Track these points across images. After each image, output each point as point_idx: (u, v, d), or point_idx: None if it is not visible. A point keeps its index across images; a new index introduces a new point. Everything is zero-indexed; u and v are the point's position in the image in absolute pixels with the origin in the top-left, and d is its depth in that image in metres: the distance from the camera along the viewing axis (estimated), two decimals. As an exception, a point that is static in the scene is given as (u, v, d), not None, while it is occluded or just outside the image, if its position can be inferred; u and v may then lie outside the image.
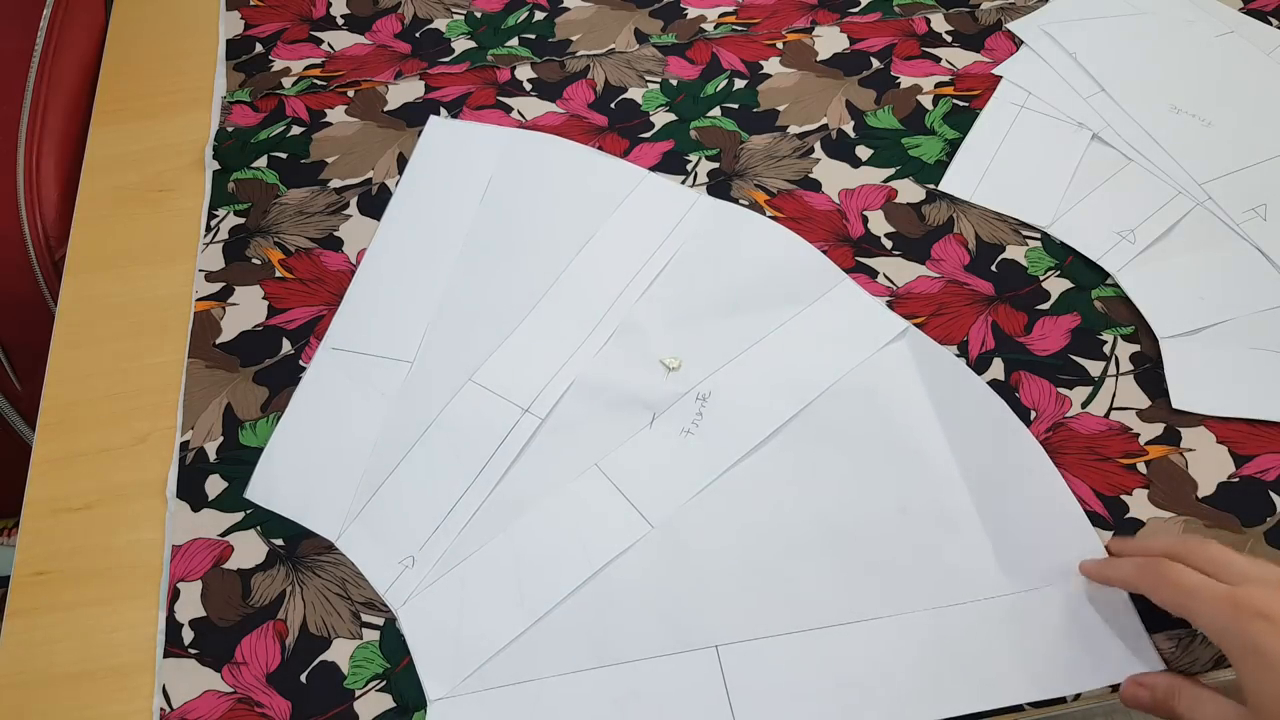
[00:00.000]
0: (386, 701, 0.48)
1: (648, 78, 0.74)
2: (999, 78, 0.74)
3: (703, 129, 0.71)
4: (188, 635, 0.50)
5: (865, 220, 0.66)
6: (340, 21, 0.79)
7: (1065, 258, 0.64)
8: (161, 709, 0.48)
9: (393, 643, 0.50)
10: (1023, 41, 0.76)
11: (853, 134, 0.70)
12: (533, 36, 0.78)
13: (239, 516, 0.54)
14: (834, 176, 0.68)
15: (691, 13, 0.79)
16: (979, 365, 0.59)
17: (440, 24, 0.79)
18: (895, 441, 0.56)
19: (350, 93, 0.74)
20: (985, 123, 0.71)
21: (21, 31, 0.78)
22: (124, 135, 0.72)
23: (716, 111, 0.72)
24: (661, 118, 0.72)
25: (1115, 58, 0.74)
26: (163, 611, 0.51)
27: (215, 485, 0.55)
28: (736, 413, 0.57)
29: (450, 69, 0.75)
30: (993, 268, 0.63)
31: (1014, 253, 0.64)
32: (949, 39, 0.77)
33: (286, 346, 0.60)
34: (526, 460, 0.55)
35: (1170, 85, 0.72)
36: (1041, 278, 0.63)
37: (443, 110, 0.72)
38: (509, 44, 0.77)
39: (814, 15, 0.79)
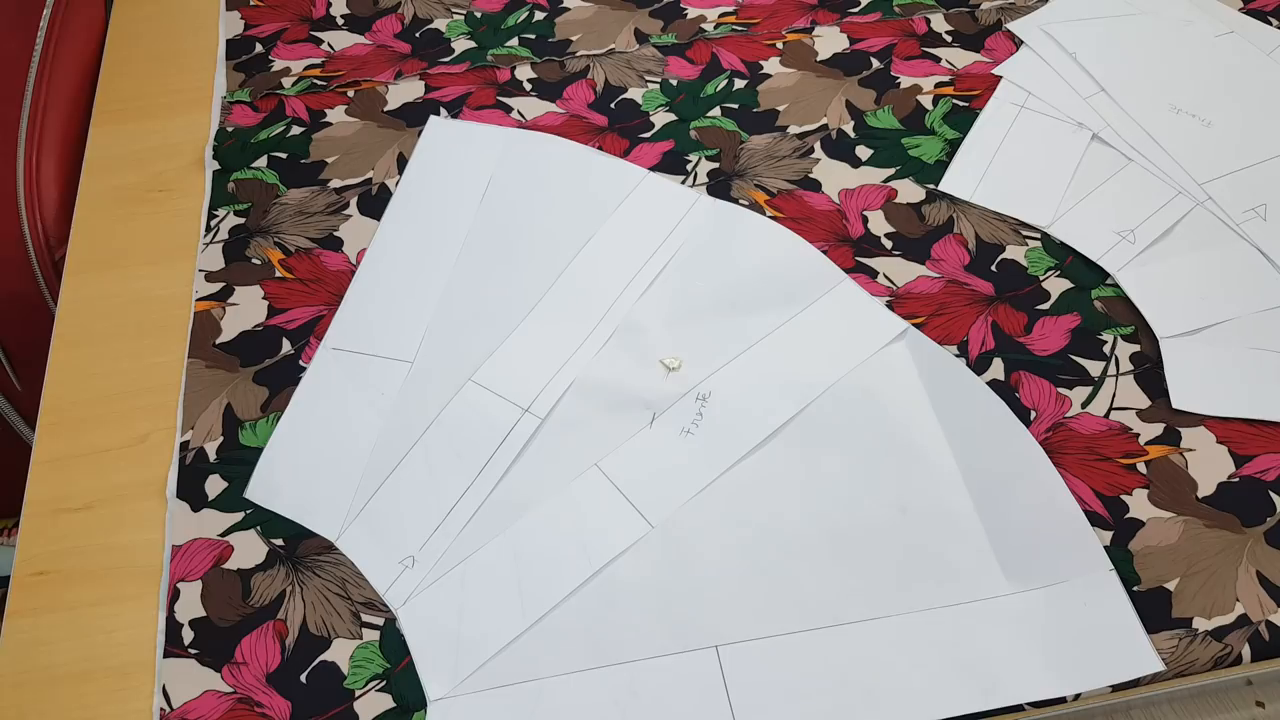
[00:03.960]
0: (386, 701, 0.48)
1: (648, 78, 0.74)
2: (999, 78, 0.74)
3: (703, 129, 0.71)
4: (188, 635, 0.50)
5: (865, 220, 0.66)
6: (340, 21, 0.79)
7: (1065, 258, 0.64)
8: (161, 709, 0.48)
9: (393, 643, 0.50)
10: (1022, 41, 0.76)
11: (853, 134, 0.70)
12: (533, 36, 0.78)
13: (239, 516, 0.54)
14: (834, 176, 0.68)
15: (691, 13, 0.79)
16: (979, 365, 0.59)
17: (440, 24, 0.79)
18: (895, 442, 0.56)
19: (350, 93, 0.74)
20: (985, 123, 0.71)
21: (21, 31, 0.78)
22: (124, 135, 0.72)
23: (716, 111, 0.72)
24: (661, 118, 0.72)
25: (1115, 58, 0.74)
26: (163, 611, 0.51)
27: (215, 485, 0.55)
28: (736, 413, 0.57)
29: (450, 69, 0.75)
30: (993, 268, 0.63)
31: (1014, 253, 0.64)
32: (949, 39, 0.77)
33: (286, 346, 0.60)
34: (526, 460, 0.55)
35: (1170, 85, 0.72)
36: (1041, 278, 0.63)
37: (443, 110, 0.72)
38: (509, 44, 0.77)
39: (814, 15, 0.79)
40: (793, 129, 0.71)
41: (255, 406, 0.58)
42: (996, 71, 0.74)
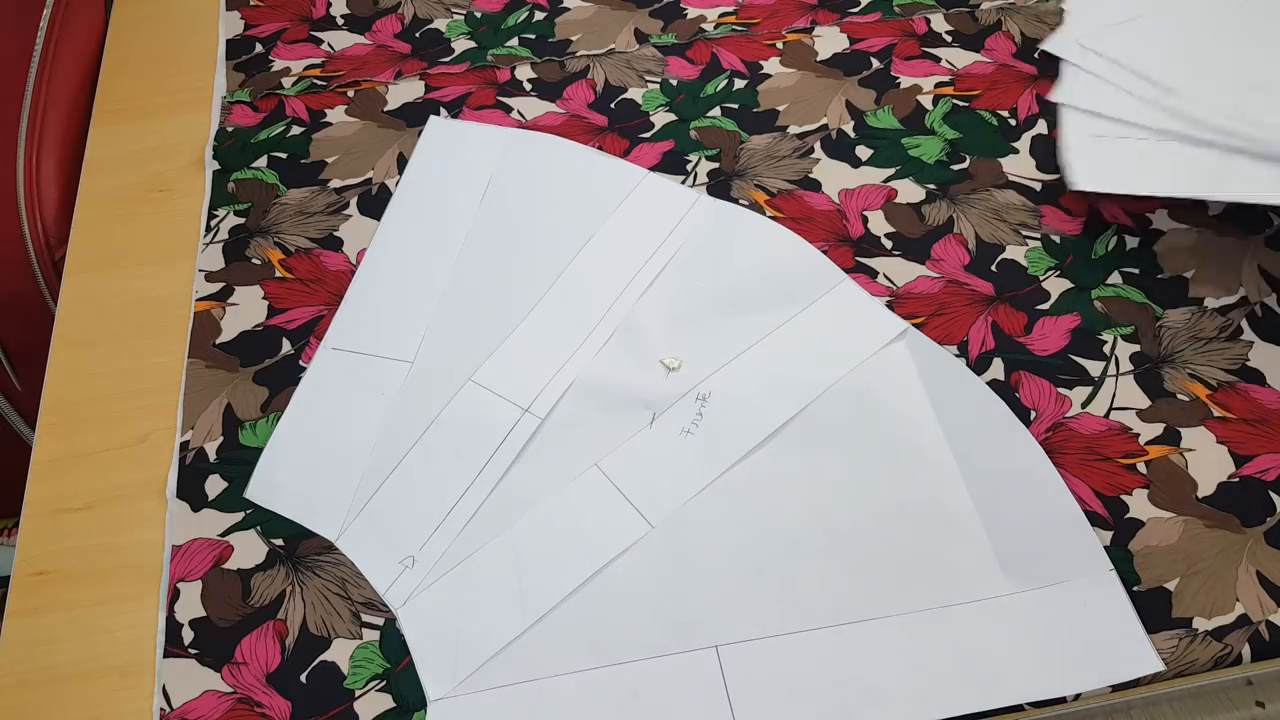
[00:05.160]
0: (386, 701, 0.48)
1: (648, 78, 0.74)
2: (998, 77, 0.73)
3: (703, 129, 0.71)
4: (188, 635, 0.50)
5: (865, 220, 0.66)
6: (340, 21, 0.79)
7: (1065, 257, 0.64)
8: (161, 709, 0.48)
9: (393, 643, 0.50)
10: (1061, 59, 0.71)
11: (853, 134, 0.70)
12: (533, 36, 0.78)
13: (239, 516, 0.54)
14: (834, 176, 0.68)
15: (691, 13, 0.79)
16: (979, 365, 0.59)
17: (440, 24, 0.79)
18: (895, 442, 0.56)
19: (350, 93, 0.74)
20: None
21: (21, 31, 0.78)
22: (124, 135, 0.72)
23: (716, 111, 0.72)
24: (661, 118, 0.72)
25: (1173, 54, 0.68)
26: (163, 611, 0.51)
27: (215, 485, 0.55)
28: (736, 413, 0.57)
29: (450, 69, 0.75)
30: (993, 268, 0.63)
31: (1014, 253, 0.64)
32: (949, 39, 0.77)
33: (286, 346, 0.60)
34: (526, 460, 0.55)
35: (1241, 65, 0.66)
36: (1041, 278, 0.63)
37: (443, 110, 0.72)
38: (509, 44, 0.77)
39: (814, 15, 0.79)
40: (793, 129, 0.71)
41: (255, 406, 0.58)
42: (1054, 98, 0.69)
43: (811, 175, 0.68)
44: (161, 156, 0.70)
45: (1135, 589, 0.51)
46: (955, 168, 0.68)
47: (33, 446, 0.57)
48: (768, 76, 0.74)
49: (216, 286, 0.63)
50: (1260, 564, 0.52)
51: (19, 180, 0.71)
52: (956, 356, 0.59)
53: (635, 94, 0.73)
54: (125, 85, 0.75)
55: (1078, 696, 0.48)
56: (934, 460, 0.55)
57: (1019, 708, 0.48)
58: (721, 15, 0.79)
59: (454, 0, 0.81)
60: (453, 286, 0.62)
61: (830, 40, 0.77)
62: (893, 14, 0.79)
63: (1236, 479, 0.55)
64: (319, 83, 0.75)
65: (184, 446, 0.56)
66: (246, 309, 0.62)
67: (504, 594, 0.51)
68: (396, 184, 0.68)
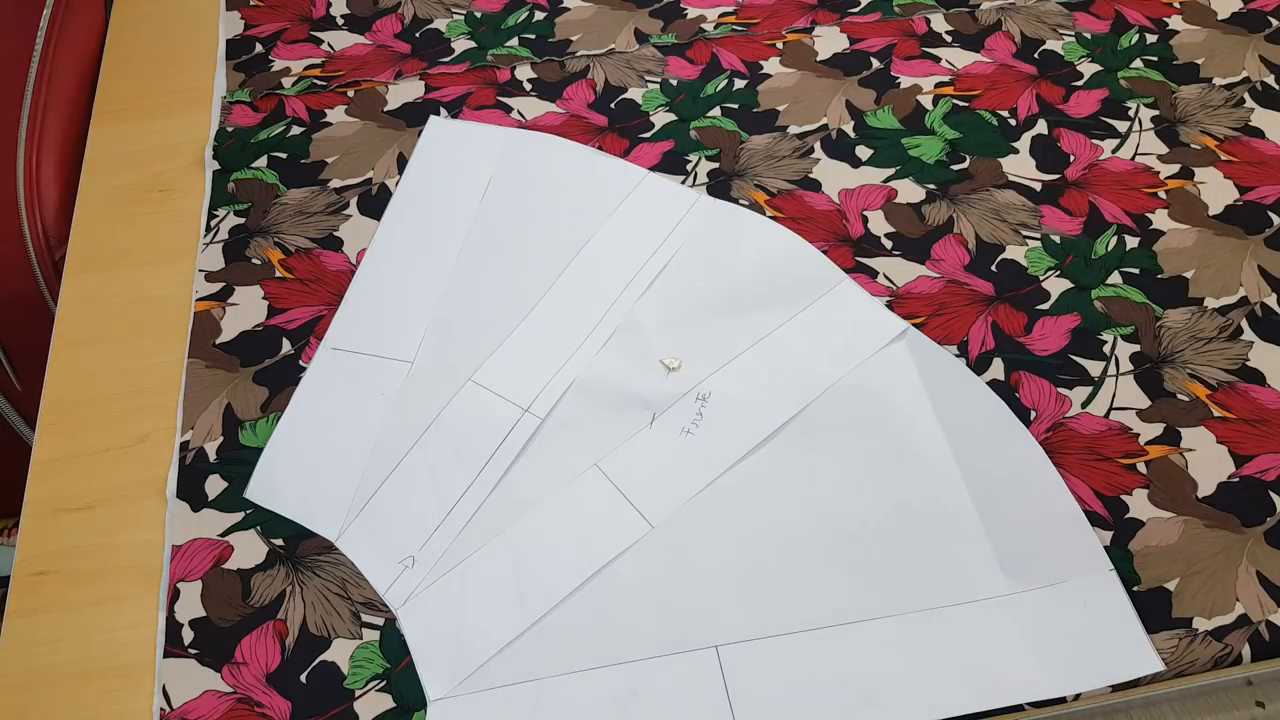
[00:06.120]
0: (386, 701, 0.48)
1: (648, 78, 0.74)
2: (998, 77, 0.73)
3: (703, 129, 0.71)
4: (188, 635, 0.50)
5: (865, 220, 0.66)
6: (340, 21, 0.79)
7: (1065, 257, 0.64)
8: (161, 709, 0.48)
9: (393, 643, 0.50)
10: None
11: (853, 134, 0.70)
12: (533, 36, 0.78)
13: (239, 516, 0.54)
14: (834, 176, 0.68)
15: (691, 13, 0.79)
16: (979, 365, 0.59)
17: (440, 24, 0.79)
18: (895, 442, 0.56)
19: (350, 93, 0.74)
20: None
21: (21, 31, 0.78)
22: (124, 135, 0.72)
23: (716, 111, 0.72)
24: (661, 118, 0.72)
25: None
26: (163, 611, 0.51)
27: (215, 485, 0.55)
28: (736, 413, 0.57)
29: (450, 69, 0.75)
30: (993, 268, 0.63)
31: (1014, 253, 0.64)
32: (949, 39, 0.77)
33: (286, 346, 0.60)
34: (526, 460, 0.55)
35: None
36: (1041, 278, 0.63)
37: (443, 110, 0.72)
38: (509, 44, 0.77)
39: (814, 15, 0.79)
40: (793, 129, 0.71)
41: (255, 406, 0.58)
42: None
43: (811, 175, 0.68)
44: (161, 156, 0.70)
45: (1135, 589, 0.51)
46: (955, 168, 0.68)
47: (33, 446, 0.57)
48: (768, 76, 0.74)
49: (216, 286, 0.63)
50: (1260, 564, 0.52)
51: (19, 180, 0.71)
52: (956, 356, 0.59)
53: (635, 94, 0.73)
54: (125, 85, 0.75)
55: (1078, 696, 0.48)
56: (934, 460, 0.55)
57: (1019, 708, 0.48)
58: (721, 15, 0.79)
59: (454, 0, 0.81)
60: (452, 286, 0.62)
61: (830, 40, 0.77)
62: (893, 14, 0.79)
63: (1236, 479, 0.55)
64: (319, 83, 0.75)
65: (184, 446, 0.56)
66: (246, 309, 0.62)
67: (504, 594, 0.51)
68: (396, 184, 0.68)
